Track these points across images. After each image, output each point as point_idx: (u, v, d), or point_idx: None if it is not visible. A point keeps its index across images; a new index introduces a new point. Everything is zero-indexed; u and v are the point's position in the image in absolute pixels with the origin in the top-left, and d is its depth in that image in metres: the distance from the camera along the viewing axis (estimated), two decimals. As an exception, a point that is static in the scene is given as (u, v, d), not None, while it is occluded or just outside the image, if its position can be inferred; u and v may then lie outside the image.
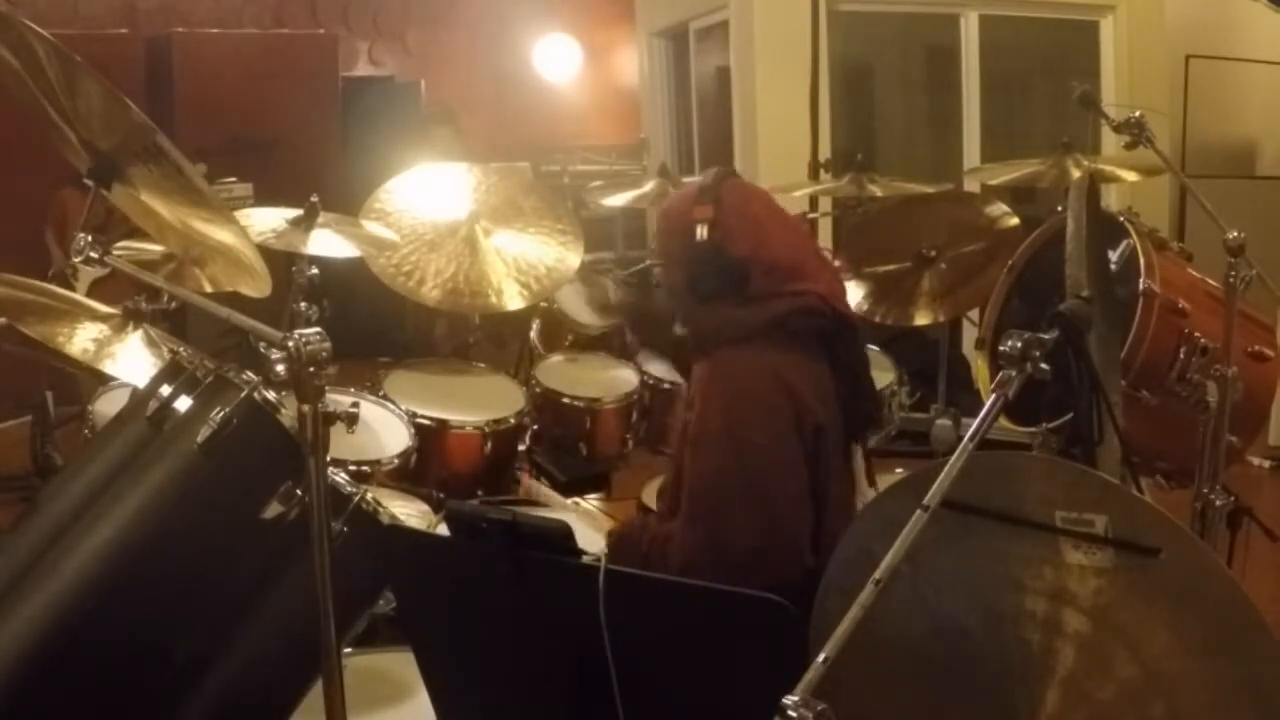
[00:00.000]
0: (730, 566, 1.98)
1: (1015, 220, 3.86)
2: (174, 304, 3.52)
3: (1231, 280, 2.38)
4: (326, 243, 3.02)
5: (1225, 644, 1.33)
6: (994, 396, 1.43)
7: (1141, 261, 2.55)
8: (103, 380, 2.95)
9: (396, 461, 2.99)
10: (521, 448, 3.39)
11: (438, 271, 3.35)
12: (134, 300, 2.57)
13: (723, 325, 2.18)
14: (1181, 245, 2.82)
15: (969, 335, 4.39)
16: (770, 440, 2.08)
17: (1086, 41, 6.85)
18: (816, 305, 2.18)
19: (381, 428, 3.10)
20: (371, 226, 3.23)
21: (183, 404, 1.68)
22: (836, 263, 4.14)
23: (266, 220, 3.03)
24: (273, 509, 1.59)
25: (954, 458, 1.35)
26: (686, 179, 4.70)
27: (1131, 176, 4.04)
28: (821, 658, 1.22)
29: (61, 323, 2.49)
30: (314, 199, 3.02)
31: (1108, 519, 1.38)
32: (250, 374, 1.65)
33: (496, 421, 3.27)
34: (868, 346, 3.69)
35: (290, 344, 1.43)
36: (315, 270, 3.17)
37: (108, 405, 2.87)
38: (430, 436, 3.17)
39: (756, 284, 2.17)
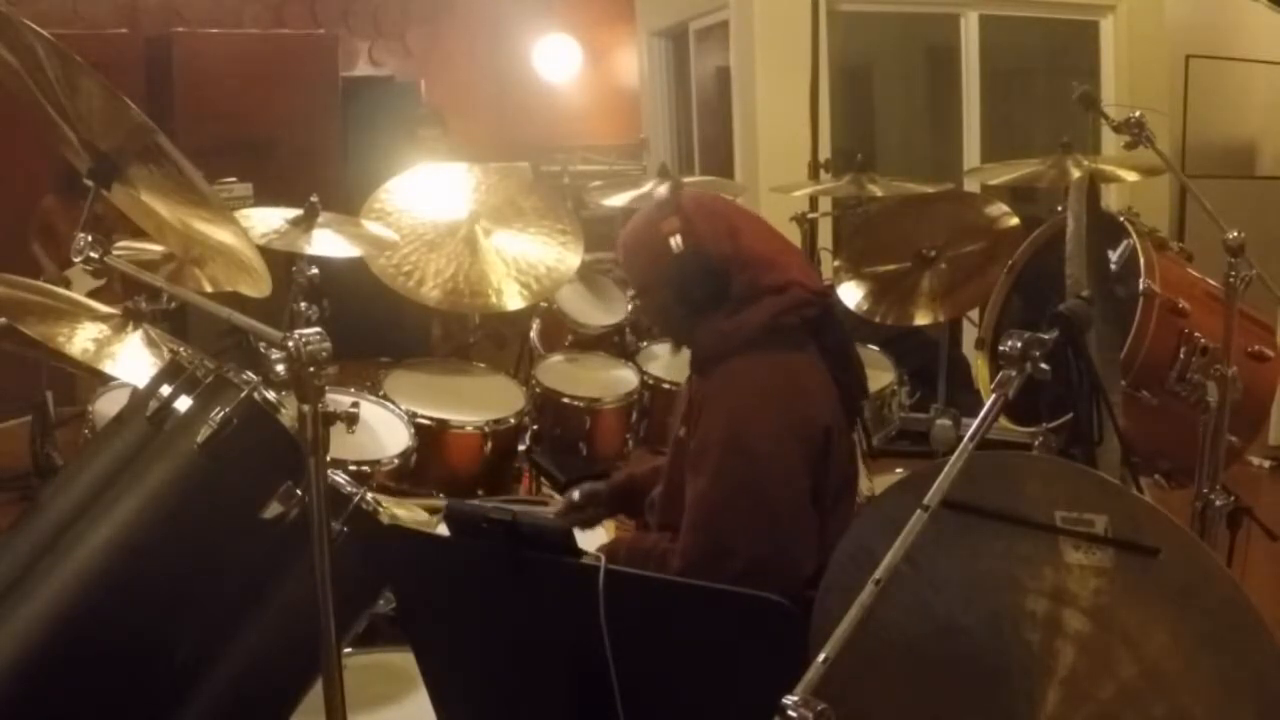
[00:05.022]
0: (731, 575, 1.97)
1: (1015, 220, 3.86)
2: (174, 304, 3.52)
3: (1231, 280, 2.38)
4: (326, 243, 3.02)
5: (1225, 644, 1.33)
6: (994, 396, 1.43)
7: (1141, 261, 2.55)
8: (103, 380, 2.95)
9: (396, 461, 3.00)
10: (521, 448, 3.39)
11: (438, 271, 3.35)
12: (134, 300, 2.57)
13: (719, 339, 2.17)
14: (1181, 245, 2.82)
15: (969, 335, 4.39)
16: (773, 448, 2.07)
17: (1086, 41, 6.86)
18: (802, 296, 2.17)
19: (381, 428, 3.11)
20: (371, 226, 3.23)
21: (183, 404, 1.68)
22: (836, 263, 4.15)
23: (266, 220, 3.03)
24: (273, 509, 1.59)
25: (954, 458, 1.35)
26: (687, 179, 4.71)
27: (1131, 176, 4.04)
28: (821, 658, 1.22)
29: (61, 323, 2.49)
30: (314, 199, 3.02)
31: (1108, 519, 1.38)
32: (250, 374, 1.65)
33: (496, 421, 3.27)
34: (868, 346, 3.75)
35: (290, 344, 1.43)
36: (315, 270, 3.17)
37: (108, 405, 2.88)
38: (430, 436, 3.17)
39: (739, 283, 2.15)
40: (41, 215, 5.65)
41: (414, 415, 3.15)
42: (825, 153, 5.79)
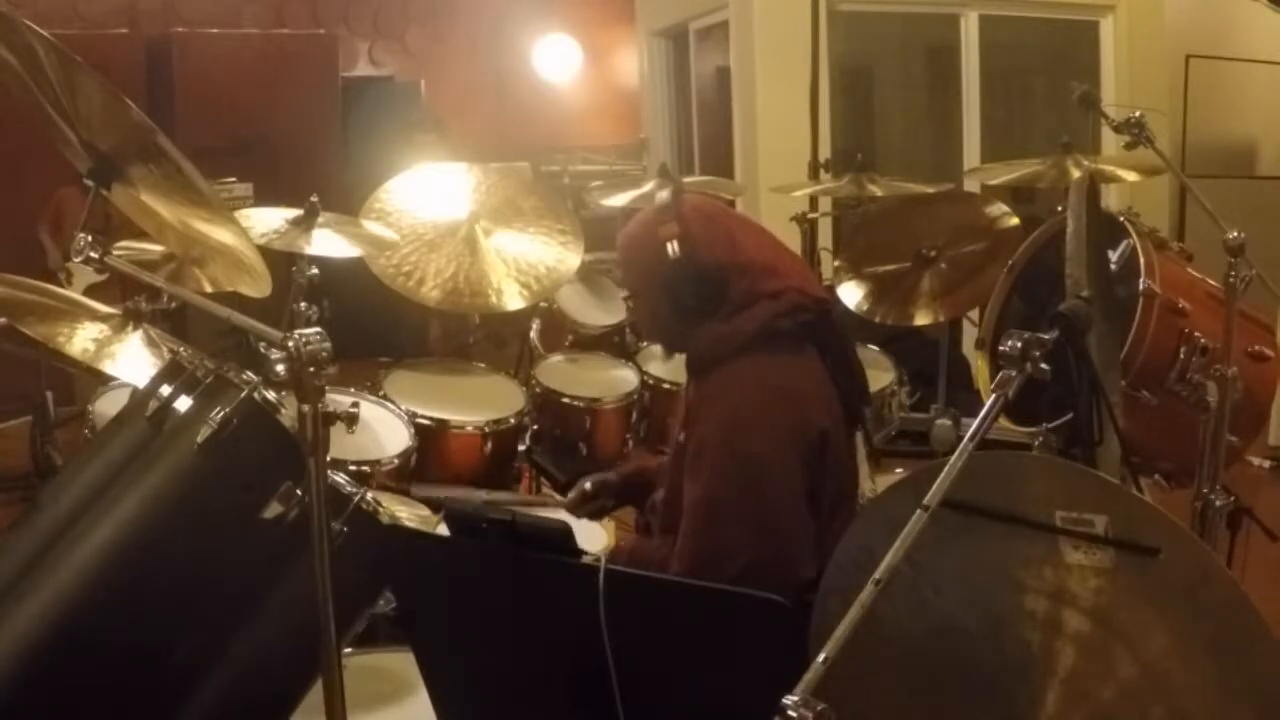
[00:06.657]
0: (728, 577, 1.97)
1: (1015, 220, 3.86)
2: (174, 304, 3.52)
3: (1231, 280, 2.38)
4: (326, 243, 3.02)
5: (1225, 644, 1.33)
6: (994, 396, 1.43)
7: (1141, 261, 2.55)
8: (103, 380, 2.95)
9: (396, 461, 3.00)
10: (521, 448, 3.39)
11: (438, 271, 3.35)
12: (134, 300, 2.57)
13: (715, 342, 2.17)
14: (1181, 245, 2.82)
15: (969, 335, 4.39)
16: (770, 451, 2.06)
17: (1086, 41, 6.85)
18: (799, 301, 2.17)
19: (381, 428, 3.11)
20: (371, 226, 3.23)
21: (183, 404, 1.68)
22: (836, 263, 4.15)
23: (266, 220, 3.03)
24: (273, 509, 1.59)
25: (954, 458, 1.35)
26: (687, 179, 4.71)
27: (1131, 176, 4.03)
28: (821, 658, 1.22)
29: (61, 323, 2.49)
30: (314, 199, 3.02)
31: (1108, 519, 1.38)
32: (250, 374, 1.64)
33: (496, 421, 3.27)
34: (868, 346, 3.75)
35: (290, 344, 1.43)
36: (315, 270, 3.17)
37: (108, 405, 2.88)
38: (430, 436, 3.17)
39: (736, 290, 2.16)
40: (56, 203, 5.70)
41: (414, 415, 3.15)
42: (825, 153, 5.78)
